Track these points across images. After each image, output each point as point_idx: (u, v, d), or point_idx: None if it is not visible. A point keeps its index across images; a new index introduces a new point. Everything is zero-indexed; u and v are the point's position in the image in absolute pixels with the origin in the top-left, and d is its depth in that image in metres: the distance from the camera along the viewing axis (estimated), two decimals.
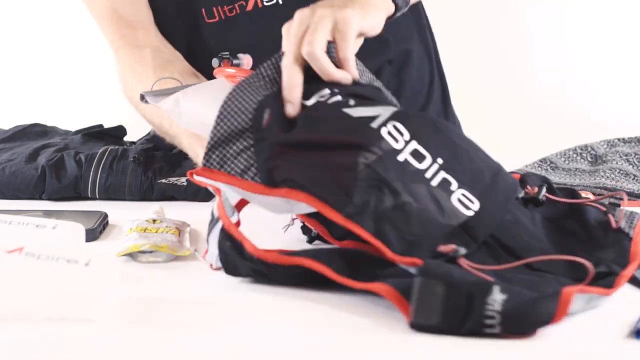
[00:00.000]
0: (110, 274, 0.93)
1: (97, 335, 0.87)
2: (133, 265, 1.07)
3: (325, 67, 1.06)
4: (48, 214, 1.19)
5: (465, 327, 0.85)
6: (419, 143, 1.00)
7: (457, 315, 0.85)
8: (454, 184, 0.98)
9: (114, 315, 0.90)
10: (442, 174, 0.99)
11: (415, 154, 0.99)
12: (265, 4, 1.48)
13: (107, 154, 1.39)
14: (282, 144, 1.01)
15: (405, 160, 0.98)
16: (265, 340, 0.88)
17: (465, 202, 0.98)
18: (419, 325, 0.86)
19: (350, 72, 1.07)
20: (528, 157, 1.58)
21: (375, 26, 1.13)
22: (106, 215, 1.22)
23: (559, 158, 1.51)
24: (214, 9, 1.48)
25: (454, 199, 0.97)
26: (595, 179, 1.42)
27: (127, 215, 1.21)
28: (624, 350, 0.86)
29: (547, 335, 0.86)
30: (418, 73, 1.62)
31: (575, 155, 1.51)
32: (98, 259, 0.92)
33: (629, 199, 1.35)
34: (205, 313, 0.94)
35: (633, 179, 1.42)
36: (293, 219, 1.12)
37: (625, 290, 0.97)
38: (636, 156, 1.49)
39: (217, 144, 1.02)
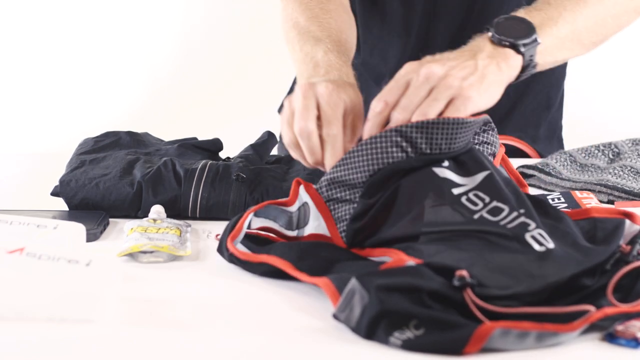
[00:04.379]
0: (111, 274, 0.93)
1: (98, 335, 0.87)
2: (134, 266, 1.07)
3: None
4: (49, 214, 1.19)
5: (373, 340, 0.86)
6: (499, 202, 1.01)
7: (366, 329, 0.86)
8: (532, 225, 0.98)
9: (114, 315, 0.91)
10: (522, 219, 0.99)
11: (493, 210, 1.01)
12: None
13: (207, 169, 1.26)
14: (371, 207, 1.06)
15: (481, 216, 1.00)
16: (266, 340, 0.88)
17: (539, 240, 0.97)
18: (340, 320, 0.89)
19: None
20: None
21: (488, 104, 1.12)
22: (107, 215, 1.22)
23: (580, 153, 1.50)
24: None
25: (527, 236, 0.97)
26: (602, 175, 1.42)
27: (128, 215, 1.21)
28: (597, 354, 0.86)
29: None
30: None
31: (596, 152, 1.50)
32: (99, 259, 0.92)
33: (627, 199, 1.35)
34: (205, 313, 0.94)
35: None
36: None
37: None
38: None
39: (334, 181, 1.07)
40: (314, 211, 1.08)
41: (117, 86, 2.70)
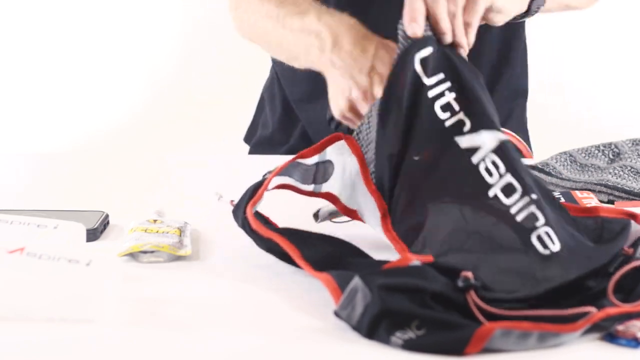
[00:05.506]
0: (111, 274, 0.93)
1: (98, 335, 0.87)
2: (134, 265, 1.07)
3: (459, 27, 1.10)
4: (49, 214, 1.19)
5: (374, 339, 0.86)
6: (513, 176, 1.00)
7: (367, 328, 0.86)
8: (541, 221, 0.97)
9: (114, 315, 0.91)
10: (532, 209, 0.98)
11: (507, 188, 1.00)
12: None
13: None
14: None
15: (495, 196, 0.99)
16: (266, 339, 0.88)
17: (544, 240, 0.96)
18: (341, 318, 0.89)
19: (470, 38, 1.12)
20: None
21: (503, 10, 1.16)
22: (107, 215, 1.22)
23: (580, 153, 1.50)
24: None
25: (533, 237, 0.96)
26: (602, 175, 1.42)
27: (128, 215, 1.21)
28: (597, 354, 0.86)
29: None
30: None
31: (597, 152, 1.50)
32: (99, 259, 0.92)
33: (627, 199, 1.35)
34: (205, 313, 0.94)
35: None
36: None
37: None
38: None
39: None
40: (342, 168, 1.08)
41: (118, 87, 2.70)
